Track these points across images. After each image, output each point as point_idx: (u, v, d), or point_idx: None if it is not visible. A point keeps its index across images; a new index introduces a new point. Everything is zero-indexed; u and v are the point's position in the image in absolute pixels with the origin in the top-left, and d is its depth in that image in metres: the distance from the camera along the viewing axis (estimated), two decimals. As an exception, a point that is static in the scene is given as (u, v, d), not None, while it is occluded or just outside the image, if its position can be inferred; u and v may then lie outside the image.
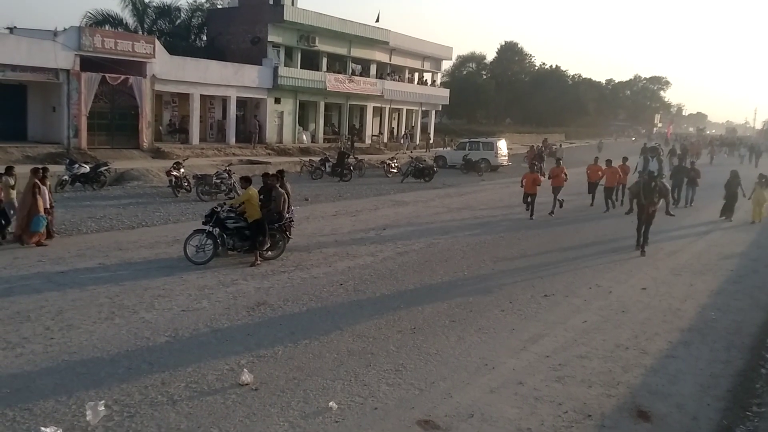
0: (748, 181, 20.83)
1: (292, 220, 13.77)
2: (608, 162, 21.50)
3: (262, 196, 12.75)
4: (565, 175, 19.75)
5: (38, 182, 13.05)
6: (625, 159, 22.32)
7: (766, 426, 6.51)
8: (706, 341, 8.91)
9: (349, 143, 39.62)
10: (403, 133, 47.57)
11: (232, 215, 12.23)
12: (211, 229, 12.00)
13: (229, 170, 21.38)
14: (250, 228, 12.10)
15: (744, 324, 9.79)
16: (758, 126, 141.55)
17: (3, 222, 13.13)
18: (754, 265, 14.00)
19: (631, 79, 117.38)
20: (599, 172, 21.58)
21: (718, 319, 9.99)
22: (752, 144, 54.69)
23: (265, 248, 12.39)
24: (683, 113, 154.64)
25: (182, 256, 11.91)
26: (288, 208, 13.52)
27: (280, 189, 12.86)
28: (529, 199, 18.86)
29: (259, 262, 12.15)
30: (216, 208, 12.40)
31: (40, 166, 14.27)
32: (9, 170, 13.84)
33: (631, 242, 15.03)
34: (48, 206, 13.26)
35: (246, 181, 12.53)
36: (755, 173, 21.96)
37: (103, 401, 6.15)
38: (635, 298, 10.99)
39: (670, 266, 13.53)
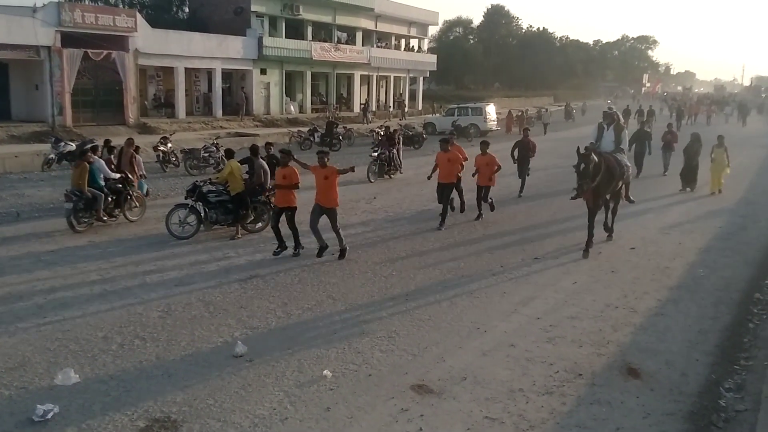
0: (736, 143, 20.48)
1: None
2: (525, 131, 17.93)
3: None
4: (498, 167, 13.83)
5: (134, 152, 14.69)
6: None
7: (753, 379, 6.63)
8: (695, 298, 9.03)
9: (336, 112, 39.32)
10: (363, 105, 43.58)
11: (214, 189, 12.21)
12: (193, 204, 11.97)
13: (217, 143, 21.23)
14: (232, 201, 12.08)
15: (732, 280, 9.91)
16: (746, 83, 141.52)
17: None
18: (743, 222, 14.11)
19: (618, 40, 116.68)
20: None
21: (706, 276, 10.11)
22: (740, 102, 53.62)
23: (248, 221, 12.40)
24: (671, 72, 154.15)
25: (172, 231, 11.91)
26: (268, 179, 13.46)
27: (260, 160, 12.79)
28: (445, 193, 13.45)
29: (239, 235, 12.15)
30: (198, 182, 12.38)
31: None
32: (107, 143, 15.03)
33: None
34: (143, 173, 15.01)
35: (228, 153, 12.50)
36: (743, 134, 21.59)
37: (72, 370, 6.37)
38: (624, 257, 11.09)
39: (658, 225, 13.62)
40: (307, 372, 6.55)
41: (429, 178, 13.93)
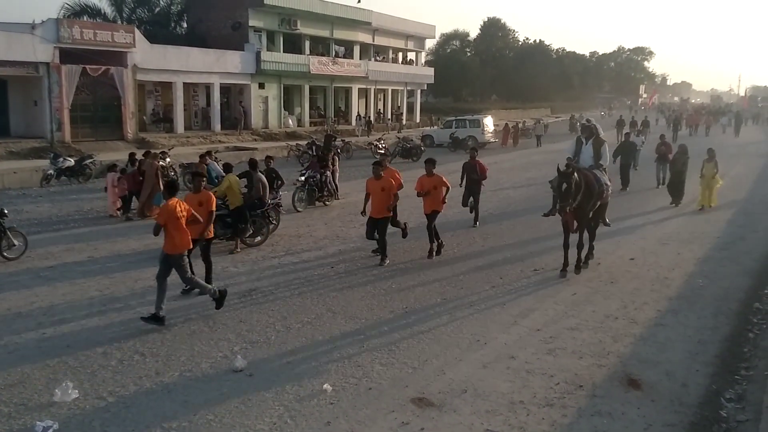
0: (727, 156, 20.23)
1: (281, 205, 13.77)
2: (472, 152, 15.98)
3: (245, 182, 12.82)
4: (446, 188, 11.62)
5: (159, 165, 15.71)
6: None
7: (754, 389, 6.62)
8: (694, 308, 9.03)
9: (335, 126, 39.55)
10: (356, 114, 44.61)
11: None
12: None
13: (216, 158, 21.22)
14: (231, 215, 12.09)
15: (731, 290, 9.91)
16: (742, 93, 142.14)
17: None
18: (741, 232, 14.13)
19: (614, 51, 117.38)
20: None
21: (705, 286, 10.11)
22: (737, 112, 52.76)
23: (246, 235, 12.40)
24: (668, 83, 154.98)
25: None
26: (276, 192, 13.58)
27: (259, 174, 12.83)
28: (379, 229, 11.25)
29: (238, 249, 12.16)
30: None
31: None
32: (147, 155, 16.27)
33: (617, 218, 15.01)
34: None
35: (226, 168, 12.55)
36: (739, 143, 21.34)
37: (72, 384, 6.32)
38: (624, 268, 11.10)
39: (657, 236, 13.64)
40: (307, 386, 6.54)
41: (363, 213, 11.51)
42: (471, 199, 14.64)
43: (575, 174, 9.91)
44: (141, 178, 15.13)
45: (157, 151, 16.58)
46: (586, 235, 10.88)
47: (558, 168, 10.01)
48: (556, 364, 7.10)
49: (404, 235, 12.53)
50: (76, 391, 6.25)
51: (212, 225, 9.36)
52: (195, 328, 8.16)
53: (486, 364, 7.12)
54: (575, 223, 10.59)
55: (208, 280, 9.42)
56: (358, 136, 36.51)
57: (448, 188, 11.67)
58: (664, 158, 19.50)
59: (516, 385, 6.60)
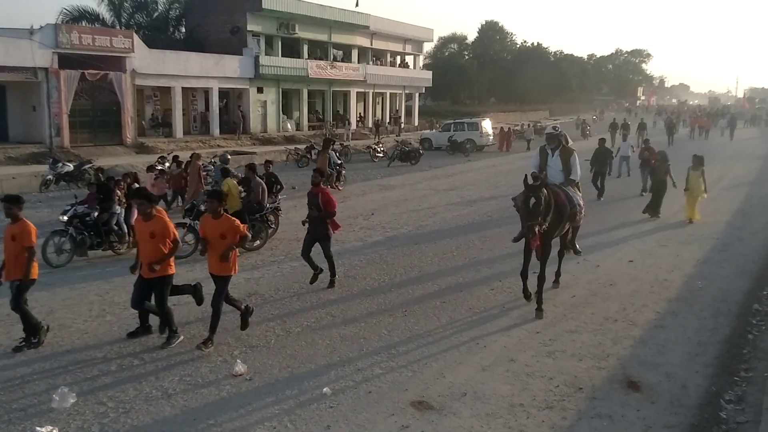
0: (719, 160, 19.54)
1: (279, 209, 13.78)
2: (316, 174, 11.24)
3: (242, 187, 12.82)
4: (241, 237, 7.83)
5: (201, 166, 16.17)
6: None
7: (754, 390, 6.63)
8: (693, 310, 9.03)
9: (333, 129, 39.63)
10: (344, 117, 44.09)
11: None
12: (191, 223, 11.99)
13: (215, 162, 21.24)
14: None
15: (730, 291, 9.92)
16: (740, 94, 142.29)
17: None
18: (740, 234, 14.15)
19: (612, 53, 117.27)
20: None
21: (704, 287, 10.12)
22: (731, 115, 51.17)
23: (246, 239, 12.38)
24: (666, 85, 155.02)
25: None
26: (275, 197, 13.61)
27: (258, 179, 12.83)
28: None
29: (238, 253, 12.13)
30: (195, 201, 12.45)
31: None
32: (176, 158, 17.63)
33: (614, 221, 14.95)
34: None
35: (224, 172, 12.55)
36: (731, 149, 20.60)
37: (68, 389, 6.29)
38: (622, 270, 11.10)
39: (656, 238, 13.65)
40: (307, 390, 6.54)
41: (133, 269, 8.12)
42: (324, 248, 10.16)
43: (545, 189, 8.43)
44: (183, 181, 16.37)
45: (198, 153, 17.85)
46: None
47: (525, 181, 8.44)
48: (556, 367, 7.10)
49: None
50: (74, 395, 6.24)
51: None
52: (194, 332, 8.16)
53: (485, 366, 7.12)
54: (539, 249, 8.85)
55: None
56: (348, 139, 36.42)
57: (243, 237, 7.89)
58: (648, 164, 18.55)
59: (516, 387, 6.60)
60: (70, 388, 6.34)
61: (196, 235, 11.90)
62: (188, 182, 16.21)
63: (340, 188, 20.98)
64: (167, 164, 21.16)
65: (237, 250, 7.83)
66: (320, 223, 9.92)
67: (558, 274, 10.02)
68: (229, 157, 17.74)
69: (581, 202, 9.46)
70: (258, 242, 12.72)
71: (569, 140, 9.87)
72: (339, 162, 21.82)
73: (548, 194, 8.49)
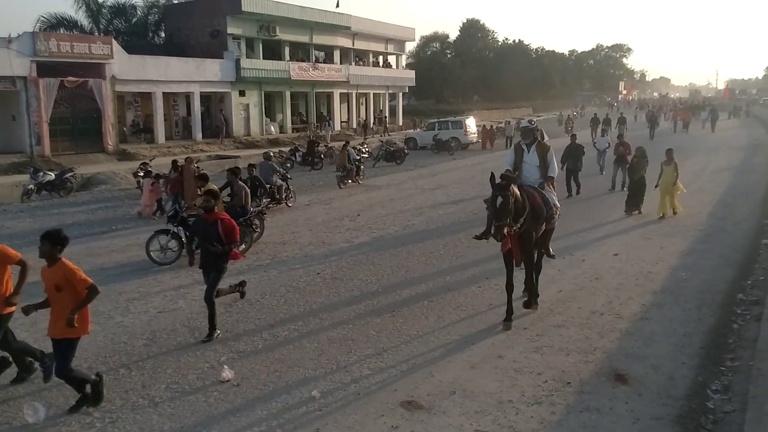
0: (701, 152, 19.38)
1: (265, 213, 13.74)
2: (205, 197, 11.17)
3: (226, 192, 12.77)
4: (89, 289, 6.30)
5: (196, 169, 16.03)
6: None
7: (740, 379, 6.68)
8: (678, 302, 9.09)
9: (317, 131, 39.57)
10: (325, 117, 43.54)
11: (195, 213, 12.15)
12: (175, 229, 11.90)
13: (198, 167, 21.11)
14: None
15: (714, 282, 10.00)
16: (720, 86, 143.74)
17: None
18: (722, 224, 14.27)
19: (593, 49, 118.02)
20: None
21: (688, 279, 10.19)
22: (712, 107, 50.72)
23: None
24: (647, 79, 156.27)
25: (155, 257, 11.79)
26: (260, 200, 13.56)
27: (240, 183, 12.78)
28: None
29: None
30: (177, 207, 12.38)
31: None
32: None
33: (594, 221, 14.97)
34: None
35: (202, 179, 12.46)
36: (712, 141, 20.40)
37: (38, 402, 6.17)
38: (608, 264, 11.16)
39: (640, 231, 13.74)
40: (295, 393, 6.51)
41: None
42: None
43: (513, 187, 7.80)
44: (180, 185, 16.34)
45: (192, 158, 18.26)
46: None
47: (491, 179, 7.84)
48: (544, 362, 7.12)
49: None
50: (43, 406, 6.11)
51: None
52: (181, 340, 8.10)
53: (474, 364, 7.12)
54: (520, 254, 8.38)
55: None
56: (328, 141, 36.24)
57: (91, 290, 6.28)
58: (623, 159, 18.17)
59: (504, 384, 6.61)
60: (38, 403, 6.16)
61: (180, 241, 11.85)
62: (185, 186, 16.00)
63: (361, 182, 22.67)
64: (150, 169, 21.11)
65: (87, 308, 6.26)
66: (218, 256, 8.08)
67: (536, 290, 9.03)
68: (272, 154, 20.43)
69: (557, 203, 8.86)
70: (243, 246, 12.65)
71: (545, 135, 9.42)
72: (357, 158, 23.43)
73: (521, 194, 7.97)
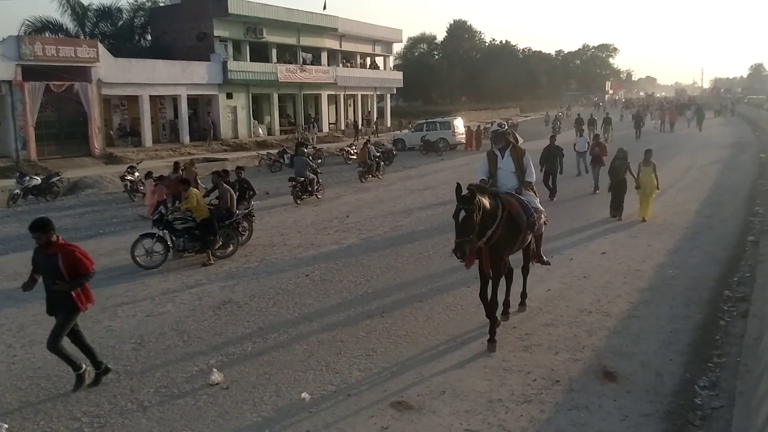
0: (687, 150, 19.00)
1: (253, 215, 13.71)
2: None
3: (214, 195, 12.79)
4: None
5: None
6: None
7: (727, 375, 6.73)
8: (666, 299, 9.15)
9: (306, 133, 39.47)
10: (311, 119, 43.10)
11: (180, 216, 12.10)
12: (160, 233, 11.84)
13: (182, 168, 21.02)
14: (199, 227, 11.98)
15: (701, 279, 10.08)
16: (706, 85, 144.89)
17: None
18: (709, 222, 14.38)
19: (580, 49, 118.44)
20: None
21: (676, 276, 10.26)
22: (698, 106, 51.10)
23: (216, 247, 12.28)
24: (633, 78, 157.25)
25: (143, 261, 11.73)
26: (249, 202, 13.54)
27: (225, 185, 12.75)
28: None
29: (211, 261, 12.05)
30: (162, 210, 12.33)
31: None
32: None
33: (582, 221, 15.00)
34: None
35: (184, 183, 12.43)
36: (698, 140, 20.00)
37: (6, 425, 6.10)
38: (596, 263, 11.22)
39: (628, 229, 13.81)
40: (285, 396, 6.49)
41: None
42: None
43: (481, 198, 7.11)
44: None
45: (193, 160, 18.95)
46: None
47: (457, 190, 7.10)
48: (533, 361, 7.15)
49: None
50: (6, 425, 6.06)
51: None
52: (169, 343, 8.06)
53: (463, 364, 7.14)
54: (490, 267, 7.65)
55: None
56: (313, 143, 36.08)
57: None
58: (599, 160, 18.12)
59: (494, 383, 6.63)
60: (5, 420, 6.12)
61: (165, 244, 11.80)
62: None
63: (380, 177, 24.01)
64: (137, 174, 21.03)
65: None
66: (64, 296, 6.68)
67: (524, 295, 8.89)
68: (306, 150, 21.49)
69: (540, 206, 8.28)
70: (231, 248, 12.62)
71: (519, 139, 8.70)
72: (377, 154, 24.67)
73: (494, 203, 7.36)
